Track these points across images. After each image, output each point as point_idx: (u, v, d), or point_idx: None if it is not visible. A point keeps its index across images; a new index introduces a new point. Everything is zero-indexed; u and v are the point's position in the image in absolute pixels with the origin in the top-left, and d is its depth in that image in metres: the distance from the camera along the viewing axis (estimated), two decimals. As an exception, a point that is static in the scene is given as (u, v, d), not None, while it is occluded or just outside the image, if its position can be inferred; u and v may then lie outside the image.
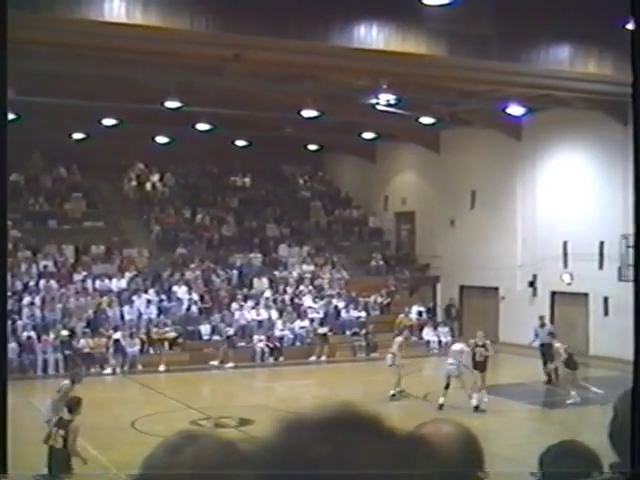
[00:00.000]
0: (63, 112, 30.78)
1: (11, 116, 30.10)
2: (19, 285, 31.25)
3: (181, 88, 27.92)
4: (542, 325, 25.72)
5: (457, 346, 22.02)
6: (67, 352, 28.40)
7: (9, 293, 30.39)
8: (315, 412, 1.38)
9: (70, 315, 30.03)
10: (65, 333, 28.86)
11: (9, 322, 28.94)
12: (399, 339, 23.10)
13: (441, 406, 20.48)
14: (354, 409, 1.40)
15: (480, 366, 21.25)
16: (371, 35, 21.14)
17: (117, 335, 29.08)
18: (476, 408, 20.38)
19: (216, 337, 30.46)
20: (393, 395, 21.90)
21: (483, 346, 21.40)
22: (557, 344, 23.06)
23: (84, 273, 32.79)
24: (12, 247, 33.28)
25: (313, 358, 30.81)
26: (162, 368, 28.49)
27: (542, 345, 24.77)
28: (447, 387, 20.79)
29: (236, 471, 1.58)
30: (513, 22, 20.41)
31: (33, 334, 28.63)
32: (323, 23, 20.67)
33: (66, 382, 15.25)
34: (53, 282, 31.75)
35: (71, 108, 30.00)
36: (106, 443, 17.46)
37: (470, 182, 35.28)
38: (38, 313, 29.94)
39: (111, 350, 28.64)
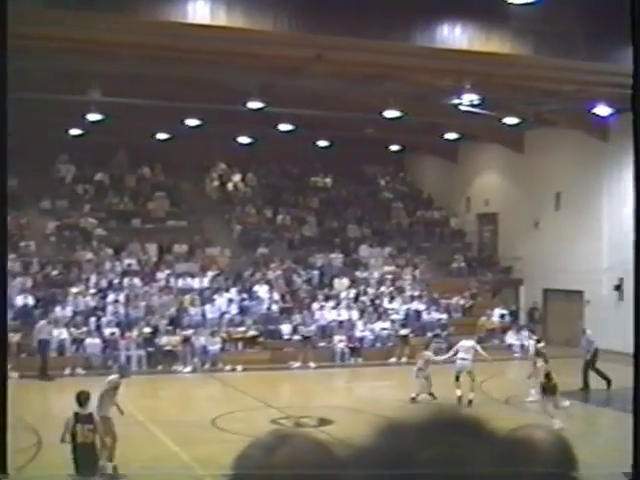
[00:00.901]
0: (147, 113, 31.22)
1: (97, 117, 30.74)
2: (104, 283, 31.79)
3: (263, 89, 28.07)
4: (584, 332, 25.76)
5: (469, 342, 23.05)
6: (149, 349, 28.79)
7: (94, 290, 31.00)
8: (415, 414, 1.37)
9: (153, 313, 30.45)
10: (148, 330, 29.26)
11: (94, 319, 29.53)
12: (427, 354, 23.03)
13: (460, 398, 21.06)
14: (454, 411, 1.39)
15: (549, 391, 20.39)
16: (454, 35, 20.94)
17: (197, 333, 29.40)
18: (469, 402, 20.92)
19: (297, 337, 30.52)
20: (413, 399, 21.96)
21: (547, 375, 20.55)
22: (540, 344, 23.21)
23: (167, 271, 33.21)
24: (96, 245, 33.94)
25: (393, 359, 30.64)
26: (242, 367, 28.65)
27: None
28: (458, 379, 21.88)
29: (337, 472, 1.56)
30: (600, 20, 19.99)
31: (117, 331, 29.09)
32: (405, 23, 20.54)
33: (115, 376, 15.40)
34: (137, 280, 32.23)
35: (155, 109, 30.40)
36: (187, 440, 17.61)
37: (555, 183, 34.70)
38: (122, 310, 30.41)
39: (192, 348, 28.96)
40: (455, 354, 22.80)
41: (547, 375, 19.51)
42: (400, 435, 1.34)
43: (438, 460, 1.29)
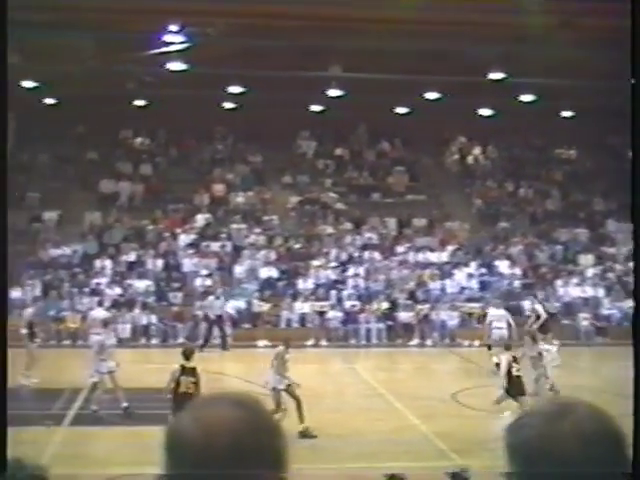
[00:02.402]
0: (386, 87, 31.23)
1: (337, 92, 31.23)
2: (344, 256, 32.27)
3: (505, 59, 27.38)
4: None
5: (500, 311, 24.34)
6: (389, 322, 28.97)
7: (334, 263, 31.54)
8: None
9: (392, 286, 30.61)
10: (387, 306, 29.43)
11: (335, 292, 30.07)
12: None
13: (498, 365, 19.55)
14: None
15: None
16: None
17: (436, 308, 29.28)
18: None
19: (539, 313, 29.78)
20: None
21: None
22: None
23: (406, 245, 33.27)
24: (336, 219, 34.52)
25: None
26: (479, 342, 28.24)
27: None
28: (490, 348, 22.85)
29: None
30: None
31: (357, 304, 29.47)
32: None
33: (281, 348, 16.10)
34: (376, 254, 32.49)
35: (394, 83, 30.37)
36: (427, 413, 17.54)
37: None
38: (362, 284, 30.77)
39: (431, 322, 28.89)
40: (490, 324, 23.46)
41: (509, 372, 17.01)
42: None
43: None
